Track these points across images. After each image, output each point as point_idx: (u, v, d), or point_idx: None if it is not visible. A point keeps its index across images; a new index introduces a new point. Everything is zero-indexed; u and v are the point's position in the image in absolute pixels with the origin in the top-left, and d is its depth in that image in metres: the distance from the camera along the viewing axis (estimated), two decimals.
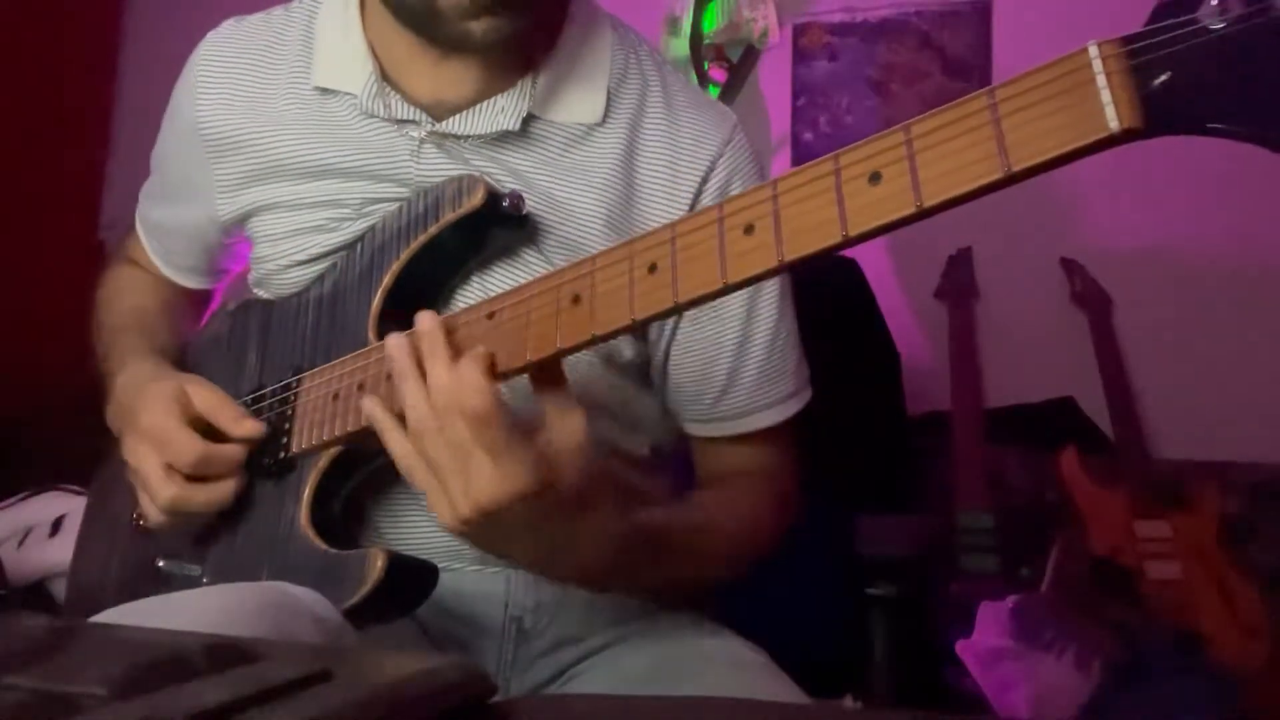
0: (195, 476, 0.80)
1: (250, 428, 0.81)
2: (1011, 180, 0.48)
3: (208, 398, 0.83)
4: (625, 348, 0.86)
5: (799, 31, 2.27)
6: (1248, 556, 1.72)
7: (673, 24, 2.17)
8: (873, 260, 1.96)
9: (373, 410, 0.68)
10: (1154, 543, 1.70)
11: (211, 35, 0.95)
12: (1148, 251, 2.01)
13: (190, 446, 0.79)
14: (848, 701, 1.36)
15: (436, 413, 0.63)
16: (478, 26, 0.76)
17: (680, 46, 2.14)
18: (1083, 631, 1.56)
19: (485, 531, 0.65)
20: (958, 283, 2.05)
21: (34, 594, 1.63)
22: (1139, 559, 1.68)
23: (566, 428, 0.64)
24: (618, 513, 0.69)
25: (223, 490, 0.81)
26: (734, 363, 0.87)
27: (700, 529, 0.81)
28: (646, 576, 0.78)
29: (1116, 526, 1.72)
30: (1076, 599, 1.65)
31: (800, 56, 2.27)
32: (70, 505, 1.70)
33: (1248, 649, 1.60)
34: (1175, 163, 1.94)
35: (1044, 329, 2.06)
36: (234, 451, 0.81)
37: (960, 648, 1.56)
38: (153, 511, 0.82)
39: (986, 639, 1.55)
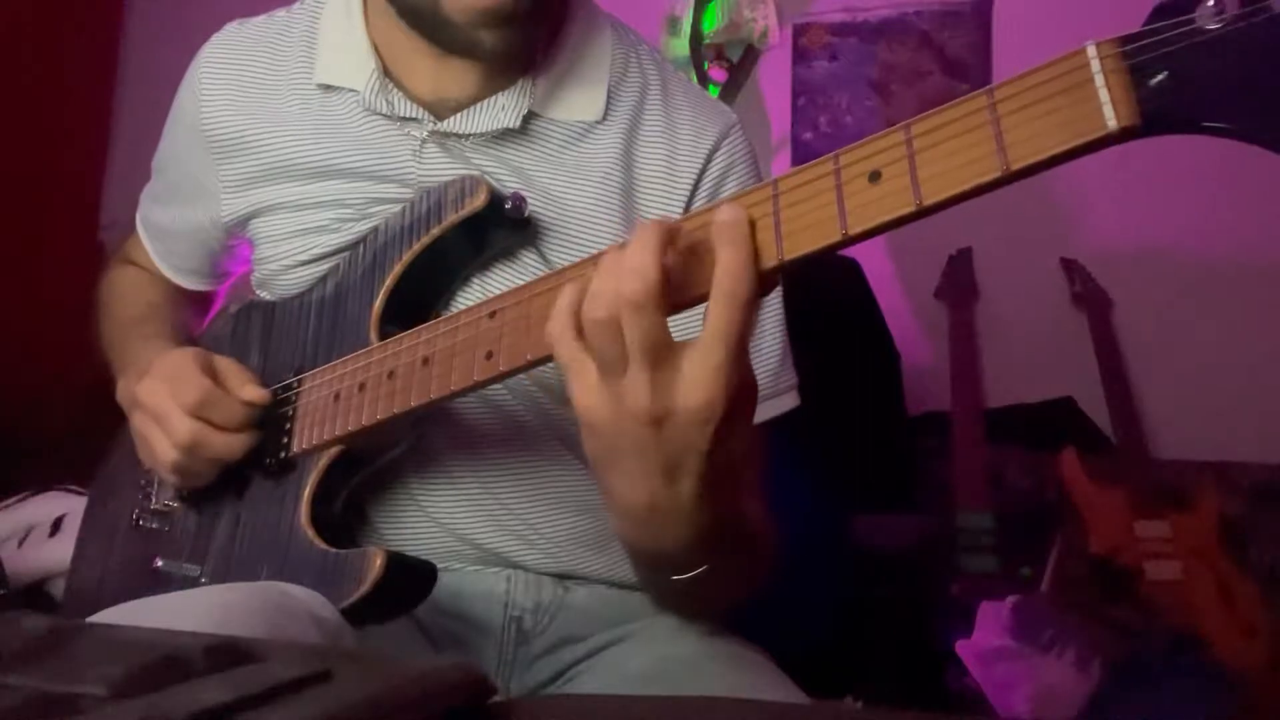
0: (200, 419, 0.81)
1: (253, 393, 0.82)
2: (1011, 179, 0.48)
3: (226, 360, 0.85)
4: None
5: (799, 31, 2.27)
6: (1248, 556, 1.72)
7: (673, 24, 2.17)
8: (873, 260, 1.96)
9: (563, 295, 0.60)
10: (1154, 543, 1.70)
11: (215, 37, 0.95)
12: (1148, 251, 2.02)
13: (198, 384, 0.80)
14: (848, 701, 1.36)
15: (598, 297, 0.56)
16: (488, 36, 0.77)
17: (680, 46, 2.14)
18: (1083, 631, 1.56)
19: (613, 441, 0.58)
20: (958, 283, 2.05)
21: (34, 594, 1.63)
22: (1139, 559, 1.68)
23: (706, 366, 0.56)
24: (730, 483, 0.62)
25: (233, 442, 0.81)
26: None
27: (754, 536, 0.77)
28: (715, 563, 0.69)
29: (1116, 526, 1.72)
30: (1076, 599, 1.65)
31: (800, 56, 2.27)
32: (70, 505, 1.70)
33: (1248, 649, 1.60)
34: (1175, 163, 1.94)
35: (1044, 329, 2.06)
36: (237, 407, 0.81)
37: (960, 648, 1.56)
38: (166, 453, 0.82)
39: (986, 639, 1.55)
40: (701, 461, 0.57)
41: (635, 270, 0.55)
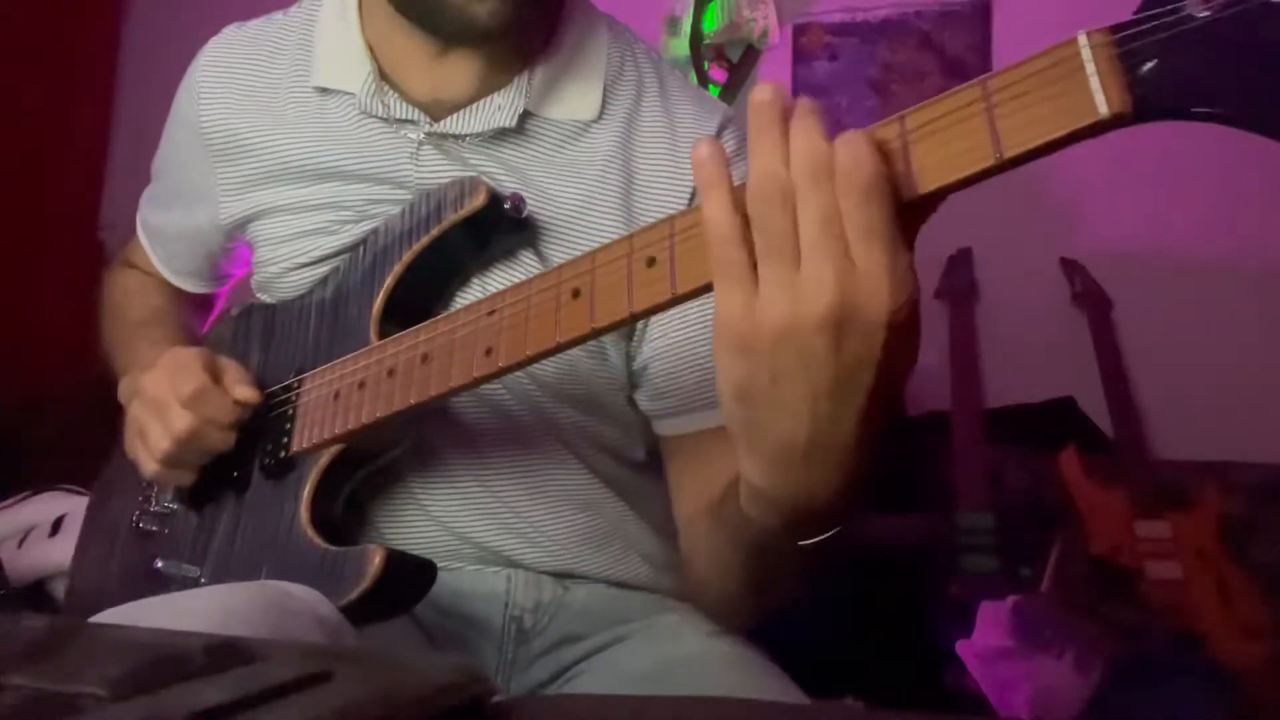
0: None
1: (245, 393, 0.82)
2: (1004, 166, 0.49)
3: (228, 361, 0.85)
4: (614, 350, 0.85)
5: (799, 31, 2.27)
6: (1248, 556, 1.72)
7: (673, 24, 2.17)
8: None
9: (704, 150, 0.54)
10: (1154, 543, 1.70)
11: (213, 40, 0.95)
12: (1148, 251, 2.01)
13: (197, 378, 0.80)
14: (848, 701, 1.36)
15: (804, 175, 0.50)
16: (482, 9, 0.76)
17: (680, 46, 2.14)
18: (1083, 631, 1.56)
19: (773, 360, 0.51)
20: (958, 283, 2.05)
21: (34, 594, 1.63)
22: (1139, 559, 1.68)
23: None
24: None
25: (227, 438, 0.82)
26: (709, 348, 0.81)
27: None
28: (852, 517, 0.62)
29: (1116, 526, 1.72)
30: (1076, 599, 1.65)
31: (800, 56, 2.27)
32: (70, 505, 1.70)
33: (1248, 649, 1.60)
34: (1175, 164, 1.94)
35: (1044, 329, 2.06)
36: (228, 403, 0.82)
37: (960, 648, 1.55)
38: (158, 442, 0.82)
39: (986, 639, 1.55)
40: (873, 377, 0.51)
41: (807, 147, 0.49)
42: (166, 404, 0.81)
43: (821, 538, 0.61)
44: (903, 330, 0.50)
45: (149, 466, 0.84)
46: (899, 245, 0.49)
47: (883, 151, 0.51)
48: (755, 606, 0.82)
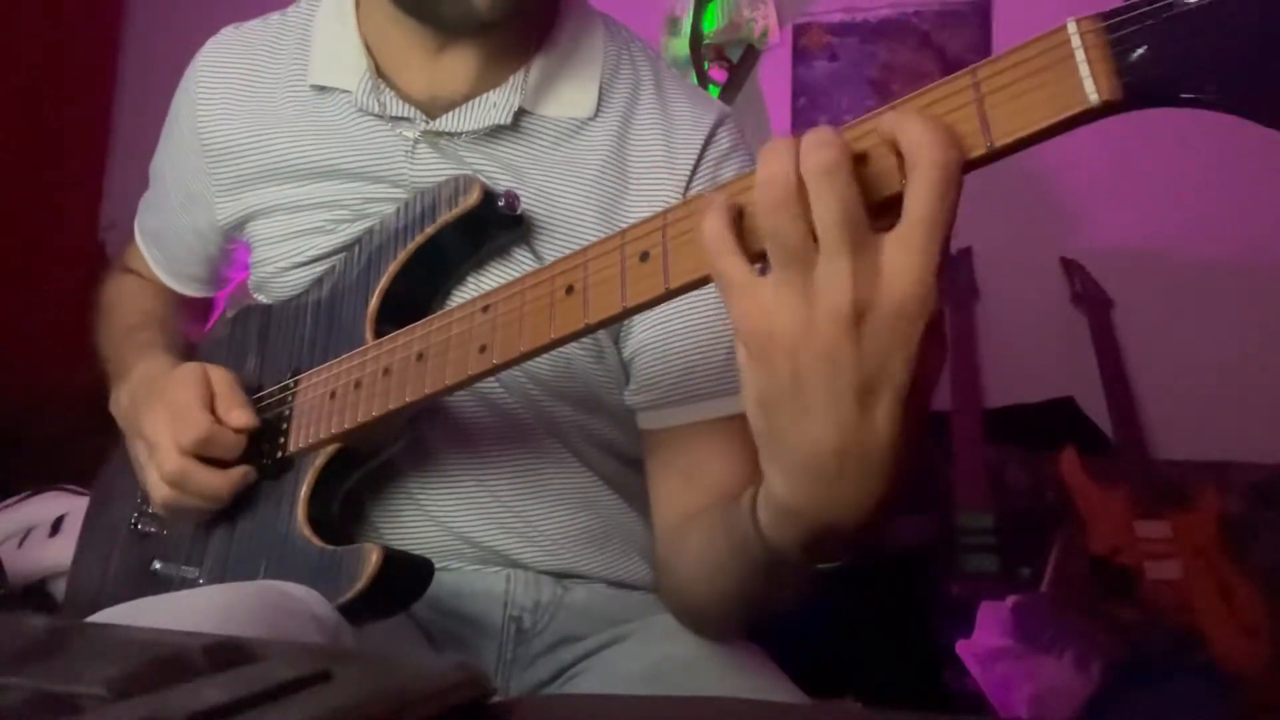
0: (200, 457, 0.80)
1: (238, 417, 0.81)
2: (995, 155, 0.49)
3: (221, 380, 0.84)
4: (610, 347, 0.85)
5: (799, 31, 2.27)
6: (1248, 556, 1.72)
7: (673, 24, 2.18)
8: None
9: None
10: (1154, 543, 1.70)
11: (211, 42, 0.95)
12: (1148, 251, 2.01)
13: (198, 422, 0.79)
14: (848, 701, 1.36)
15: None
16: (481, 0, 0.76)
17: (680, 46, 2.14)
18: (1083, 631, 1.56)
19: (793, 364, 0.49)
20: (958, 283, 2.05)
21: (34, 594, 1.63)
22: (1139, 559, 1.68)
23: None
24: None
25: (223, 480, 0.80)
26: (699, 339, 0.82)
27: None
28: (877, 539, 0.58)
29: (1116, 526, 1.72)
30: (1076, 599, 1.65)
31: (800, 56, 2.27)
32: (70, 505, 1.70)
33: (1248, 649, 1.60)
34: (1176, 163, 1.94)
35: (1044, 329, 2.06)
36: (235, 439, 0.81)
37: (960, 648, 1.56)
38: (156, 486, 0.82)
39: (986, 639, 1.55)
40: (904, 375, 0.48)
41: (818, 141, 0.48)
42: (166, 454, 0.80)
43: (839, 563, 0.59)
44: (929, 323, 0.48)
45: (159, 510, 0.85)
46: (930, 230, 0.47)
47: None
48: (739, 621, 0.80)
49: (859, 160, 0.49)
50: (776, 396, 0.50)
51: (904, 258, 0.47)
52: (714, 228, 0.51)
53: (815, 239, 0.48)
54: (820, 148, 0.48)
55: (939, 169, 0.47)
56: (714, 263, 0.51)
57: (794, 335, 0.48)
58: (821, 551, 0.58)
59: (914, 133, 0.47)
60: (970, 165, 0.49)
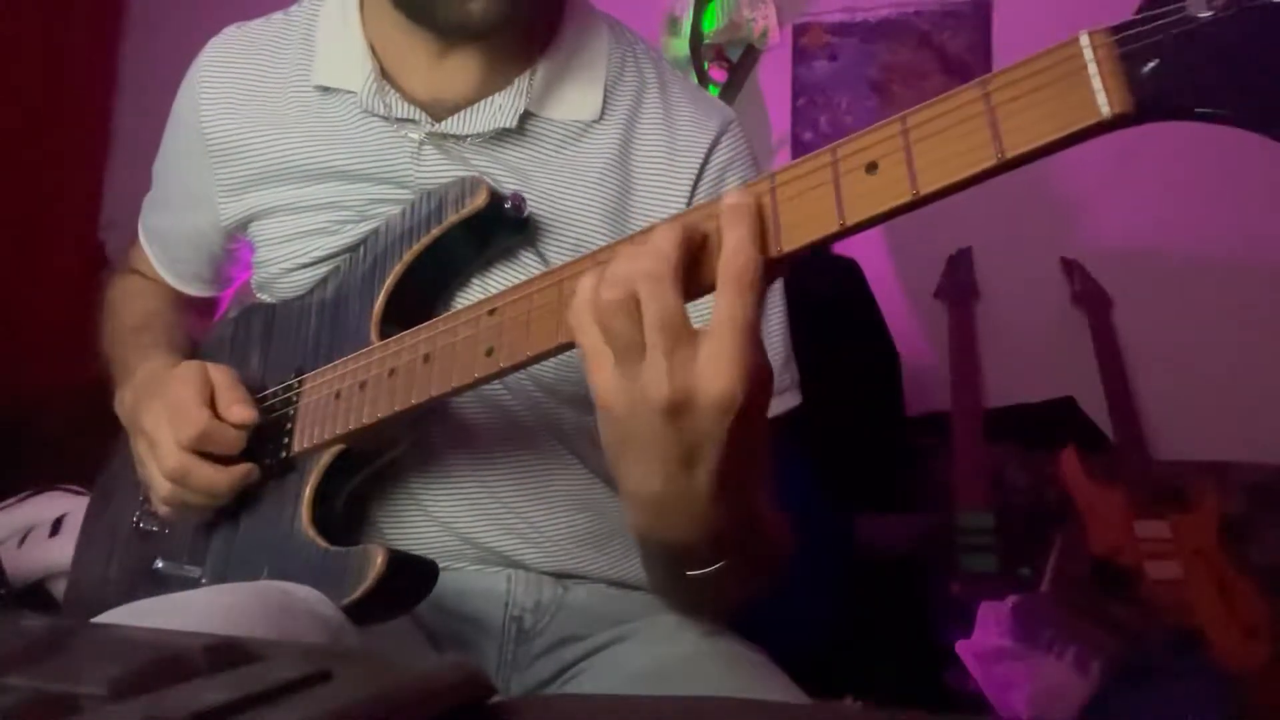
0: (199, 452, 0.80)
1: (238, 413, 0.81)
2: (1006, 167, 0.49)
3: (221, 376, 0.83)
4: None
5: (799, 31, 2.27)
6: (1248, 556, 1.72)
7: (673, 24, 2.17)
8: (873, 260, 1.97)
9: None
10: (1154, 543, 1.70)
11: (213, 41, 0.95)
12: (1148, 251, 2.02)
13: (198, 418, 0.79)
14: (848, 701, 1.36)
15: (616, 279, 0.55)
16: (476, 6, 0.76)
17: (680, 46, 2.14)
18: (1083, 631, 1.56)
19: (626, 427, 0.57)
20: (958, 283, 2.05)
21: (34, 594, 1.63)
22: (1139, 559, 1.69)
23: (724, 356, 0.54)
24: (750, 481, 0.62)
25: (223, 476, 0.81)
26: None
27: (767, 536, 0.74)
28: (729, 558, 0.67)
29: (1116, 526, 1.72)
30: (1076, 599, 1.65)
31: (800, 56, 2.27)
32: (70, 505, 1.70)
33: (1248, 649, 1.60)
34: (1175, 163, 1.94)
35: (1044, 329, 2.06)
36: (234, 435, 0.81)
37: (960, 648, 1.56)
38: (158, 483, 0.82)
39: (986, 639, 1.55)
40: (719, 451, 0.56)
41: (652, 249, 0.55)
42: (166, 450, 0.80)
43: (706, 570, 0.67)
44: (749, 410, 0.55)
45: (161, 509, 0.85)
46: (732, 332, 0.53)
47: (759, 209, 0.55)
48: (711, 611, 0.84)
49: (702, 243, 0.56)
50: (619, 450, 0.60)
51: (713, 357, 0.54)
52: (580, 302, 0.58)
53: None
54: (647, 258, 0.55)
55: (733, 278, 0.54)
56: (575, 335, 0.58)
57: (626, 412, 0.57)
58: (681, 563, 0.67)
59: (730, 240, 0.54)
60: (981, 177, 0.49)
